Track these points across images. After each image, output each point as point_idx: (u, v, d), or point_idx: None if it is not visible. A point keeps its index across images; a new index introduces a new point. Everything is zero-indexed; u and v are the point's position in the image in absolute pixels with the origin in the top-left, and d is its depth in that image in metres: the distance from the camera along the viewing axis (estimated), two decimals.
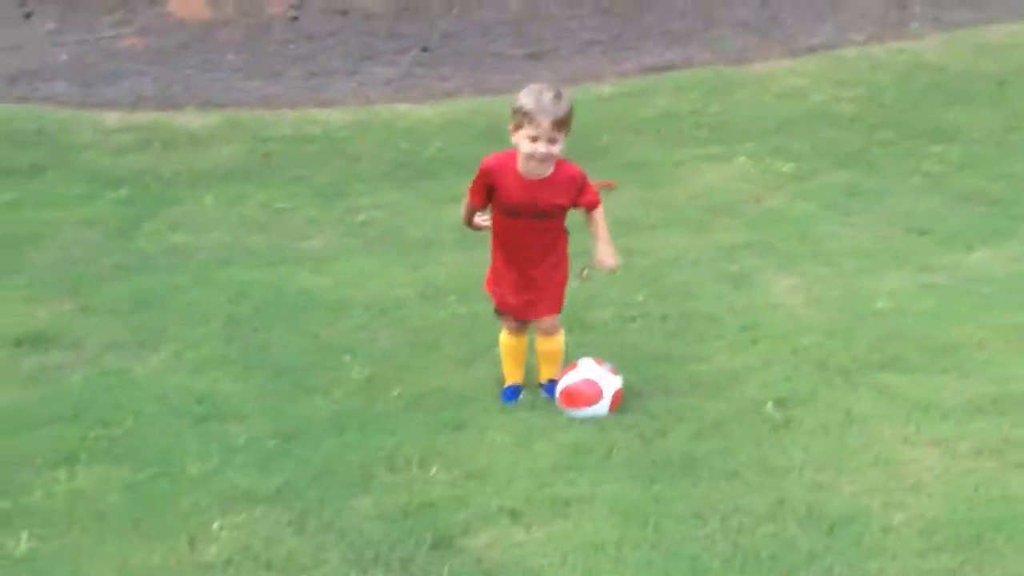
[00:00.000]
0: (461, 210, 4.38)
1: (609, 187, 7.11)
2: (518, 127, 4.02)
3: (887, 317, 5.09)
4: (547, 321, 4.35)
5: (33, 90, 8.48)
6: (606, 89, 8.77)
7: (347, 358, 4.72)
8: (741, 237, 6.22)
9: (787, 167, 7.31)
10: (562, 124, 3.99)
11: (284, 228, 6.45)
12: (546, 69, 8.98)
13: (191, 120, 8.13)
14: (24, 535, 3.41)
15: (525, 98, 3.99)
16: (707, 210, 6.69)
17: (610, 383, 4.19)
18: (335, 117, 8.27)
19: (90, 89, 8.53)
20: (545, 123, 3.95)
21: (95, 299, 5.38)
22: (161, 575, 3.27)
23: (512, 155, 4.11)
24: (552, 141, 3.99)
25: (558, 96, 3.98)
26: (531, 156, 4.03)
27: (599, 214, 4.28)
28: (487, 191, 4.18)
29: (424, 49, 9.38)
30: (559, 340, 4.43)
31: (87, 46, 9.20)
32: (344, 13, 9.81)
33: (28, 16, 9.63)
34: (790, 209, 6.68)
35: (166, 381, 4.52)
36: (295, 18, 9.72)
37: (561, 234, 4.30)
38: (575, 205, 4.23)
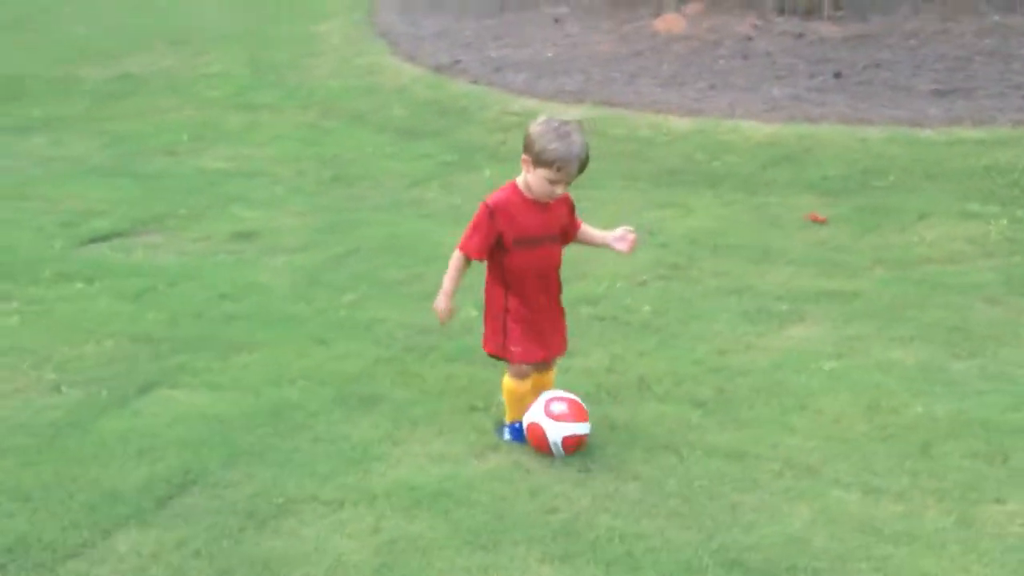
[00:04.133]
0: (448, 272, 4.00)
1: (822, 222, 6.90)
2: (537, 165, 3.81)
3: None
4: (559, 358, 4.28)
5: (502, 78, 10.37)
6: None
7: None
8: None
9: None
10: (585, 167, 3.88)
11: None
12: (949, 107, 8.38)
13: (586, 113, 9.26)
14: None
15: (552, 142, 3.76)
16: None
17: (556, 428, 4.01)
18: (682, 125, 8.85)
19: (538, 81, 10.17)
20: (574, 170, 3.83)
21: None
22: None
23: (512, 187, 3.94)
24: (571, 182, 3.90)
25: (585, 141, 3.83)
26: (548, 196, 3.89)
27: (586, 226, 4.17)
28: (493, 239, 3.91)
29: (837, 75, 9.32)
30: (552, 375, 4.29)
31: (572, 48, 10.86)
32: (799, 36, 10.08)
33: (556, 21, 11.60)
34: None
35: None
36: (750, 38, 10.27)
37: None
38: (570, 227, 4.12)
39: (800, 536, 3.60)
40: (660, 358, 5.07)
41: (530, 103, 9.52)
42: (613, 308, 5.72)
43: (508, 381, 4.11)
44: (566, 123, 3.85)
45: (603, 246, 4.17)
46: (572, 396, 4.13)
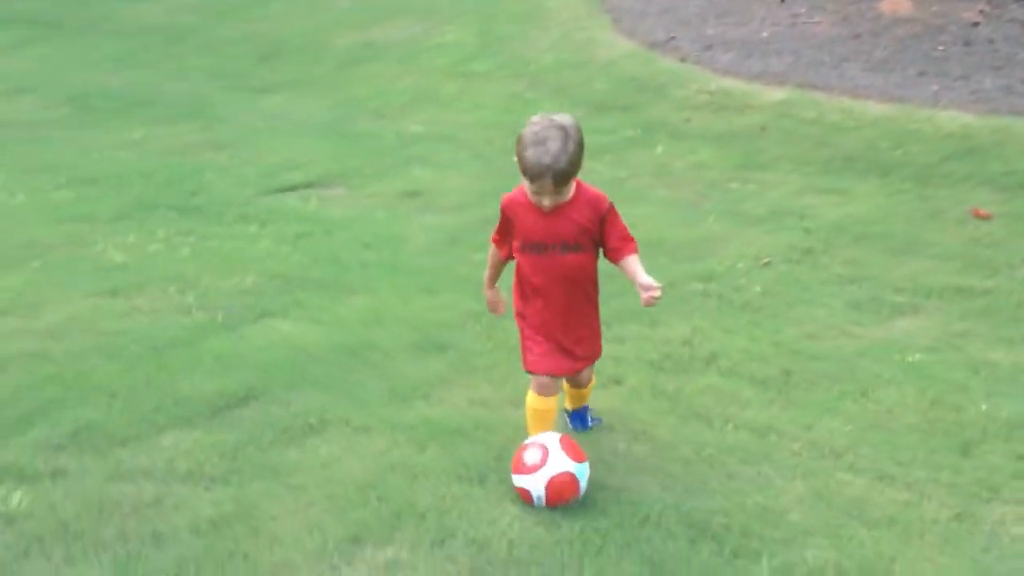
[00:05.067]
0: (489, 269, 3.96)
1: (987, 218, 6.70)
2: (525, 178, 3.55)
3: None
4: (584, 372, 3.98)
5: (710, 56, 10.45)
6: None
7: None
8: None
9: None
10: (567, 178, 3.52)
11: None
12: None
13: (784, 95, 9.19)
14: None
15: (526, 148, 3.47)
16: None
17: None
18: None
19: (744, 60, 10.18)
20: (548, 183, 3.49)
21: None
22: None
23: (520, 188, 3.68)
24: (560, 192, 3.56)
25: (563, 147, 3.44)
26: (538, 204, 3.62)
27: (636, 258, 3.69)
28: (507, 232, 3.78)
29: None
30: (591, 384, 4.12)
31: (790, 28, 10.75)
32: None
33: (783, 1, 11.48)
34: None
35: None
36: (976, 24, 9.82)
37: (594, 273, 3.83)
38: (602, 243, 3.72)
39: (777, 509, 3.71)
40: (742, 336, 5.19)
41: (730, 83, 9.56)
42: (723, 287, 5.84)
43: (528, 394, 3.85)
44: (551, 125, 3.47)
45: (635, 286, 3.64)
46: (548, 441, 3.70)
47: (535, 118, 3.55)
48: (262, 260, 6.04)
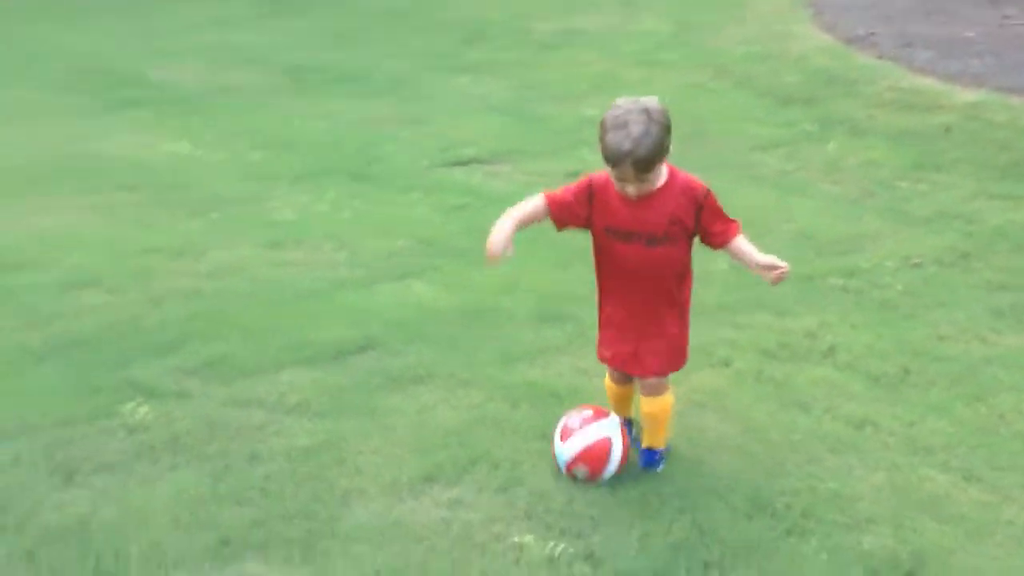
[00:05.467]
0: (523, 206, 3.58)
1: None
2: (607, 164, 3.39)
3: None
4: (653, 380, 3.69)
5: (908, 54, 10.17)
6: None
7: None
8: None
9: None
10: (651, 164, 3.34)
11: None
12: None
13: (980, 98, 8.87)
14: None
15: (606, 133, 3.33)
16: None
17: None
18: None
19: (943, 60, 9.86)
20: (628, 170, 3.33)
21: None
22: None
23: (607, 174, 3.49)
24: (643, 179, 3.38)
25: (646, 131, 3.29)
26: (621, 191, 3.46)
27: (742, 240, 3.53)
28: (577, 204, 3.54)
29: None
30: (666, 402, 3.77)
31: (997, 29, 10.32)
32: None
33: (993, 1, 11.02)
34: None
35: None
36: None
37: (684, 272, 3.64)
38: (701, 232, 3.54)
39: (847, 496, 3.74)
40: (868, 332, 5.15)
41: (924, 82, 9.29)
42: (864, 283, 5.78)
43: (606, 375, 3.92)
44: (635, 108, 3.32)
45: (750, 269, 3.58)
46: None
47: (619, 100, 3.39)
48: (415, 226, 6.38)
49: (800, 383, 4.62)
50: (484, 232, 6.21)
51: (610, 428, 3.67)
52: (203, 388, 4.15)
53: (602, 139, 3.36)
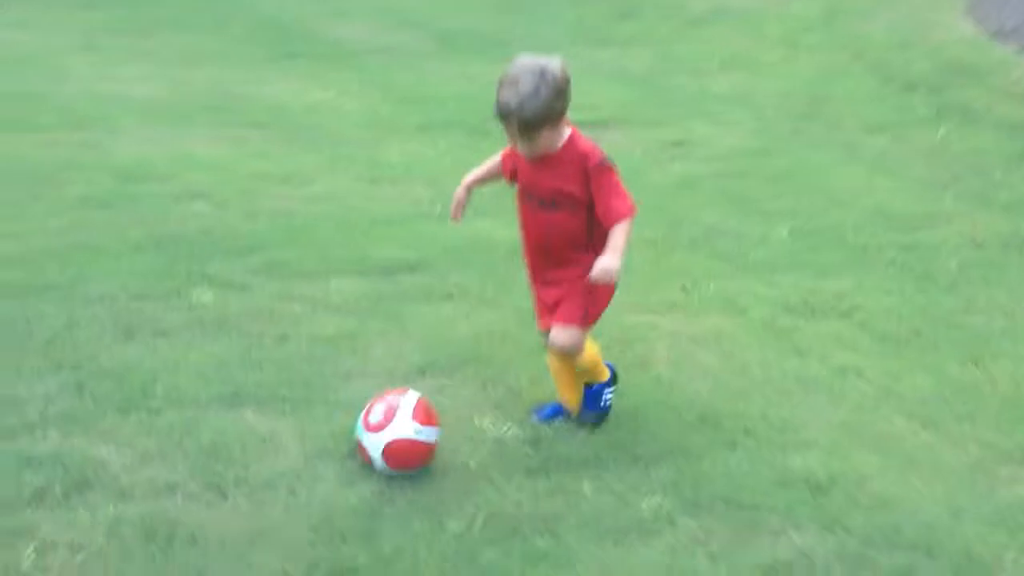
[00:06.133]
0: (485, 164, 3.76)
1: None
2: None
3: None
4: (557, 332, 3.58)
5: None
6: None
7: None
8: None
9: None
10: (536, 125, 3.29)
11: None
12: None
13: None
14: None
15: (499, 90, 3.30)
16: None
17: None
18: None
19: None
20: (514, 128, 3.33)
21: None
22: None
23: None
24: (531, 139, 3.34)
25: (535, 90, 3.24)
26: (518, 149, 3.46)
27: (619, 229, 3.40)
28: (509, 160, 3.65)
29: None
30: (588, 359, 3.73)
31: None
32: None
33: None
34: None
35: None
36: None
37: (582, 242, 3.53)
38: (593, 200, 3.42)
39: (795, 423, 4.08)
40: (896, 298, 5.43)
41: None
42: (918, 257, 6.03)
43: None
44: (529, 67, 3.29)
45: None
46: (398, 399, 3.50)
47: (520, 57, 3.34)
48: None
49: (806, 334, 4.95)
50: None
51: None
52: (261, 284, 4.85)
53: (498, 93, 3.30)
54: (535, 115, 3.27)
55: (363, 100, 8.66)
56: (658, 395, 4.21)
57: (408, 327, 4.56)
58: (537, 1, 13.45)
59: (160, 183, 6.16)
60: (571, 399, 3.84)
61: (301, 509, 3.28)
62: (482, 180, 3.76)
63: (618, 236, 3.39)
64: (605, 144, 7.97)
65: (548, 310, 3.65)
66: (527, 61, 3.32)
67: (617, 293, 5.07)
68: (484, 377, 4.19)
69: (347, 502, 3.32)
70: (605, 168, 3.43)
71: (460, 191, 3.73)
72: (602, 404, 3.86)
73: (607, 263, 3.35)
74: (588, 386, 3.84)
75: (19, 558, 2.97)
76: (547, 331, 3.66)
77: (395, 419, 3.39)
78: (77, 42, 10.24)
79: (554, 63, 3.33)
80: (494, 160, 3.71)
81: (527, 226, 3.62)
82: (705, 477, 3.64)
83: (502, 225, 5.92)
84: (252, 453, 3.53)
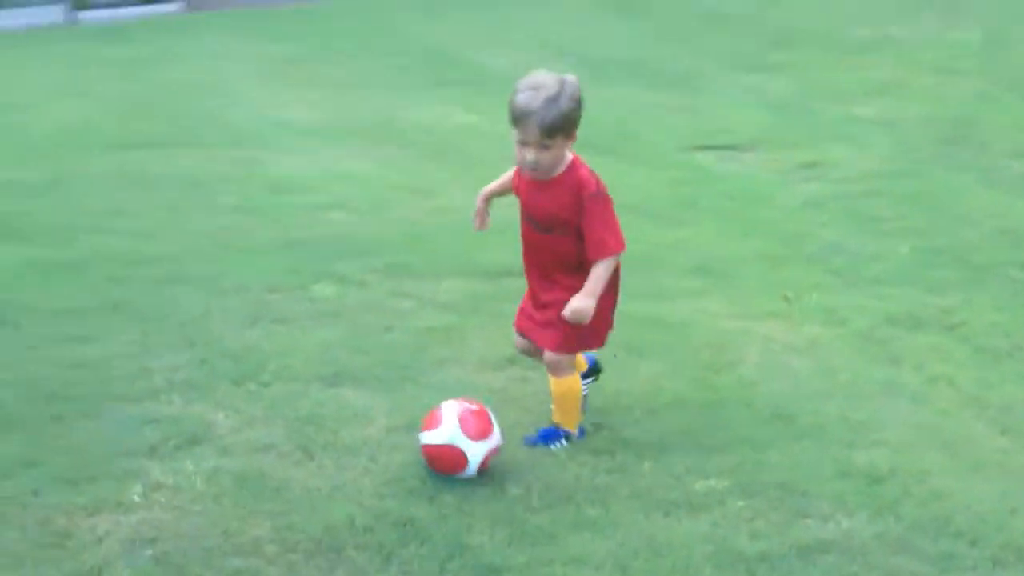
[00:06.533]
0: (500, 178, 3.89)
1: None
2: (512, 125, 3.47)
3: None
4: (547, 356, 3.69)
5: None
6: None
7: None
8: None
9: None
10: (554, 131, 3.38)
11: None
12: None
13: None
14: None
15: (518, 93, 3.41)
16: None
17: (476, 448, 3.52)
18: None
19: None
20: (533, 129, 3.38)
21: None
22: None
23: None
24: (544, 148, 3.42)
25: (556, 96, 3.36)
26: (522, 163, 3.53)
27: (602, 267, 3.52)
28: (516, 179, 3.74)
29: None
30: (567, 384, 3.73)
31: None
32: None
33: None
34: None
35: None
36: None
37: (579, 264, 3.59)
38: (580, 229, 3.51)
39: (871, 424, 4.15)
40: (1005, 315, 5.35)
41: None
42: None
43: None
44: (551, 77, 3.43)
45: None
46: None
47: (538, 72, 3.50)
48: (627, 191, 7.08)
49: (903, 344, 5.00)
50: (686, 201, 6.98)
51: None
52: (379, 282, 5.28)
53: (511, 100, 3.41)
54: (556, 119, 3.37)
55: (504, 124, 9.04)
56: (738, 393, 4.38)
57: (503, 323, 4.83)
58: (695, 31, 13.65)
59: (305, 194, 6.71)
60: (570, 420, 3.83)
61: (378, 471, 3.63)
62: (498, 192, 3.88)
63: (597, 276, 3.50)
64: (736, 166, 8.26)
65: (527, 317, 3.77)
66: (547, 74, 3.47)
67: (717, 303, 5.35)
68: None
69: (420, 467, 3.65)
70: (600, 199, 3.52)
71: (479, 202, 3.87)
72: (550, 445, 3.76)
73: (579, 304, 3.47)
74: (554, 424, 3.78)
75: (130, 492, 3.48)
76: (519, 330, 3.85)
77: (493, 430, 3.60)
78: (254, 70, 11.08)
79: (573, 79, 3.48)
80: (508, 173, 3.81)
81: (525, 245, 3.73)
82: (765, 465, 3.79)
83: None
84: (343, 423, 3.92)
